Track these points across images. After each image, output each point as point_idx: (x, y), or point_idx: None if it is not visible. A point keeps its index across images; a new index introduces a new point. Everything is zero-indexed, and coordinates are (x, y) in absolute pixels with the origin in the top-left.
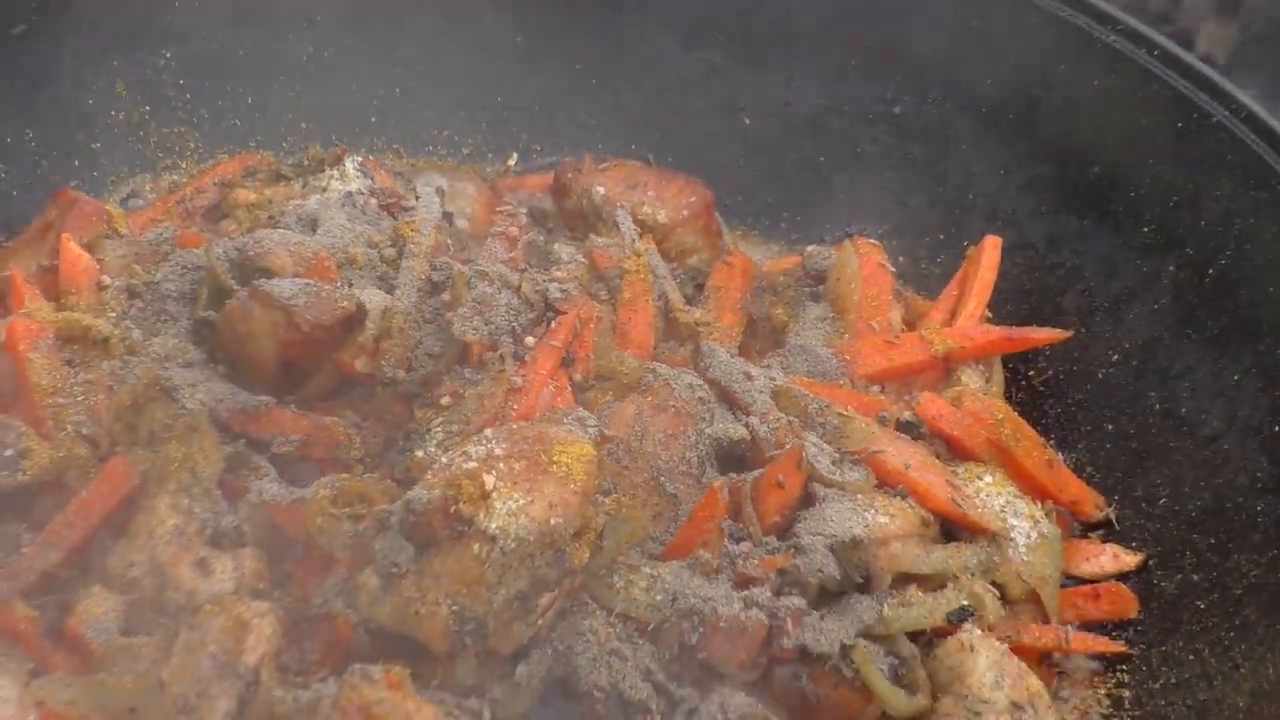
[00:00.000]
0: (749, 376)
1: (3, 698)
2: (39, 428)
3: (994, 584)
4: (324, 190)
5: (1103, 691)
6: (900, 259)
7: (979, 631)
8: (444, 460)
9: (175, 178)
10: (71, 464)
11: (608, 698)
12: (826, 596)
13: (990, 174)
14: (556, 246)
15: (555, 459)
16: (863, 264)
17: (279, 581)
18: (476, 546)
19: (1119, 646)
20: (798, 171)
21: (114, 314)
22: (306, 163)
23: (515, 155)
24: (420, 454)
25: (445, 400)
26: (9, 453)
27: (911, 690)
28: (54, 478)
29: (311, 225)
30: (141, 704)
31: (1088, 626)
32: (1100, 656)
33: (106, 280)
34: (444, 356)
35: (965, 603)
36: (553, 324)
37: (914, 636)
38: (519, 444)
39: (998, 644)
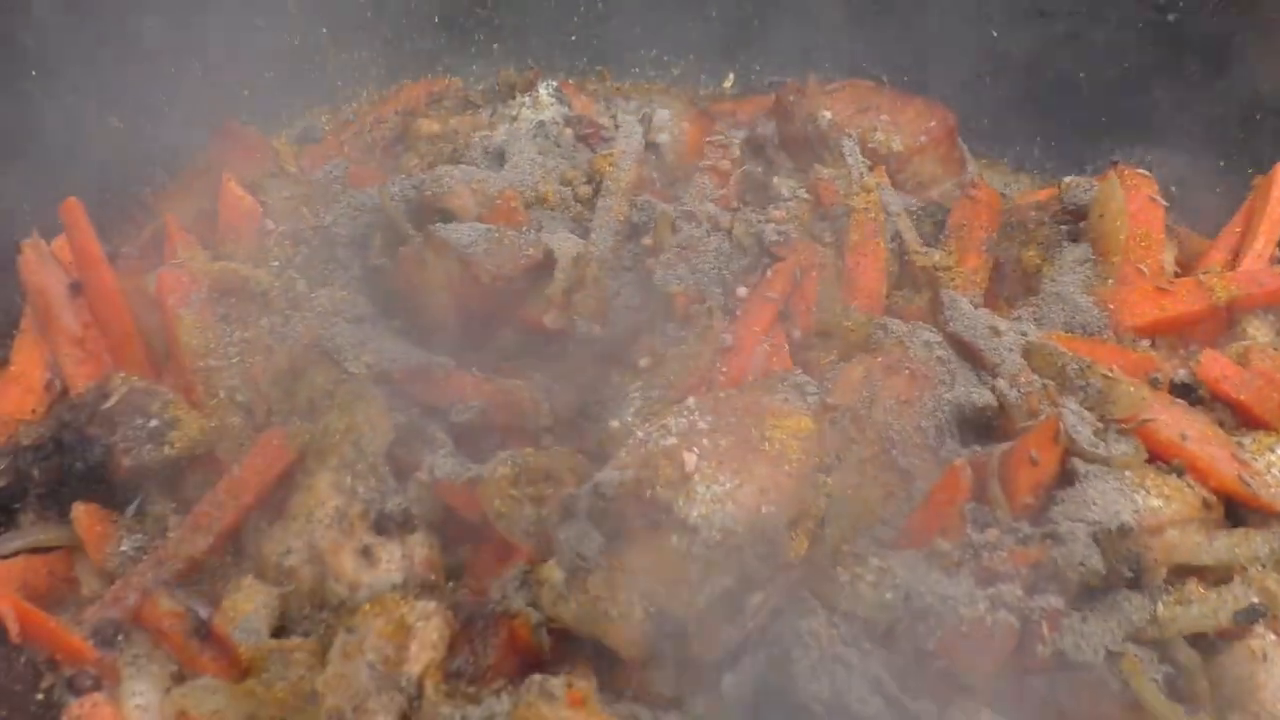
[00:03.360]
0: (996, 331)
1: (140, 705)
2: (188, 394)
3: None
4: (514, 119)
5: None
6: (1174, 190)
7: (1273, 635)
8: (640, 435)
9: (356, 108)
10: (223, 436)
11: (829, 711)
12: (1089, 594)
13: None
14: (775, 180)
15: (768, 435)
16: (1130, 197)
17: (453, 572)
18: (675, 538)
19: None
20: (1053, 91)
21: (276, 263)
22: (498, 88)
23: (732, 76)
24: (615, 424)
25: (644, 361)
26: (154, 423)
27: (1192, 706)
28: (204, 451)
29: (499, 159)
30: (293, 717)
31: None
32: None
33: (270, 225)
34: (644, 310)
35: (1255, 600)
36: (768, 272)
37: (1194, 641)
38: (726, 416)
39: None
